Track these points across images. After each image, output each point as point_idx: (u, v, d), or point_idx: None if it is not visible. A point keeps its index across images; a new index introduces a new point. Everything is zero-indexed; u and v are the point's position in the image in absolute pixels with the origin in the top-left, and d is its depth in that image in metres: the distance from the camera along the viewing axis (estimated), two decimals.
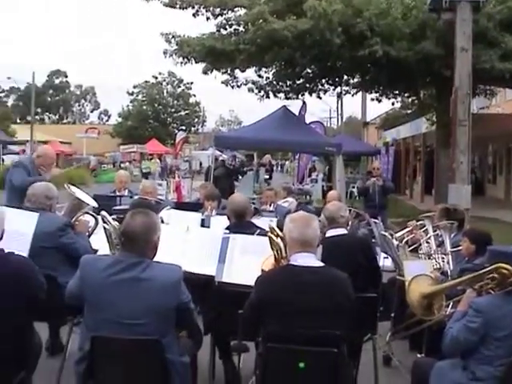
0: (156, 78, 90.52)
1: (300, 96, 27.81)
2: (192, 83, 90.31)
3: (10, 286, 4.90)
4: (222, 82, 26.44)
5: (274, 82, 26.49)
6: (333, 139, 28.50)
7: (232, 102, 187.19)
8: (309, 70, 25.62)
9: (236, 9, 23.94)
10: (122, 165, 61.47)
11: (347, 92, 28.56)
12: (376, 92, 28.18)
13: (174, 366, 4.95)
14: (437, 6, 19.55)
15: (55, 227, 6.93)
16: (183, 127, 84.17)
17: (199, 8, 24.00)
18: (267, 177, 34.84)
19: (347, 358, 5.27)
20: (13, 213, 6.47)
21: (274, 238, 5.34)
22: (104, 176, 50.84)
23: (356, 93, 30.22)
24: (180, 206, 11.28)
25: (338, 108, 61.70)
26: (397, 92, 28.58)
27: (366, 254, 7.23)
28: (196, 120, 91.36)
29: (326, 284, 5.18)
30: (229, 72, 25.67)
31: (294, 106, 25.59)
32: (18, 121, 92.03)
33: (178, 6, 24.13)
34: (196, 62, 24.37)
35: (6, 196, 9.83)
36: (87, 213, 7.55)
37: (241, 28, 23.79)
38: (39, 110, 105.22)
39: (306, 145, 22.61)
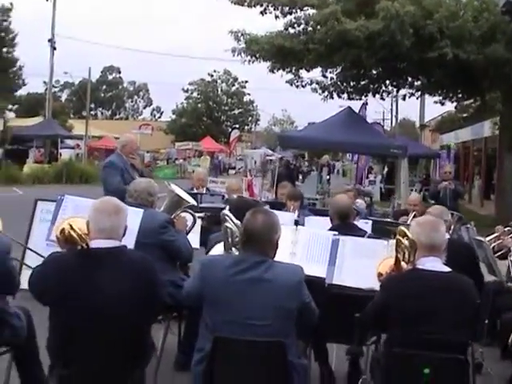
0: (211, 75, 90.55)
1: (363, 97, 27.61)
2: (247, 82, 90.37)
3: (135, 284, 4.84)
4: (287, 82, 26.18)
5: (339, 83, 26.28)
6: (396, 141, 28.22)
7: (285, 101, 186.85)
8: (374, 71, 25.40)
9: (305, 8, 23.79)
10: (177, 161, 61.83)
11: (412, 94, 28.15)
12: (439, 95, 27.80)
13: (295, 368, 4.88)
14: (510, 9, 19.37)
15: (157, 224, 6.90)
16: (236, 125, 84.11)
17: (267, 6, 23.92)
18: (328, 177, 34.71)
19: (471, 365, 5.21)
20: None
21: (403, 240, 5.24)
22: (158, 172, 50.96)
23: (420, 95, 29.87)
24: None
25: (392, 110, 61.37)
26: (460, 95, 28.13)
27: (470, 260, 7.14)
28: (250, 119, 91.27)
29: (454, 290, 5.11)
30: (293, 71, 25.49)
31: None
32: (72, 116, 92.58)
33: (246, 3, 24.04)
34: (264, 61, 24.32)
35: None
36: (186, 211, 7.54)
37: (309, 27, 23.60)
38: (92, 105, 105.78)
39: (371, 146, 22.48)
